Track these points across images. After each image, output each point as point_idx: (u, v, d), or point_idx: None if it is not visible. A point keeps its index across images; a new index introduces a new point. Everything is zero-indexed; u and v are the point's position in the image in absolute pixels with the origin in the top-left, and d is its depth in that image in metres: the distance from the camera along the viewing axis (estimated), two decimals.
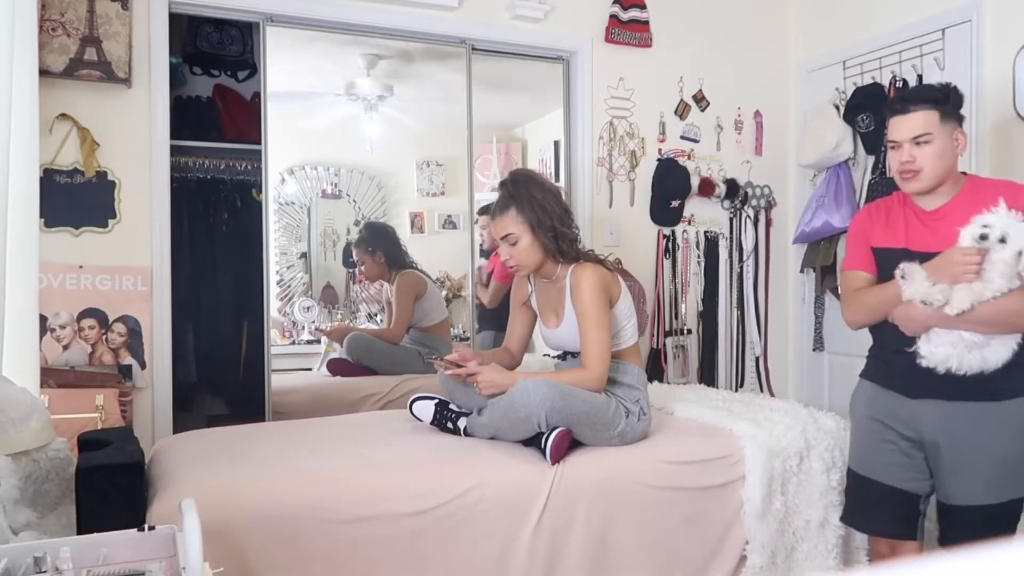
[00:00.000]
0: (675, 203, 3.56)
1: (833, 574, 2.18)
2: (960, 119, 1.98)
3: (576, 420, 2.08)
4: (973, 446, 1.92)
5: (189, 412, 3.58)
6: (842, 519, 2.24)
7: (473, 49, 3.30)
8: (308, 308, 3.37)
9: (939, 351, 1.91)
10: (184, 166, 3.63)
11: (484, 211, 3.31)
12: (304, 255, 3.40)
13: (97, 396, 2.57)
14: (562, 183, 3.50)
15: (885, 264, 2.02)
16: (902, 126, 1.96)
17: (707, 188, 3.59)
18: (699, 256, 3.63)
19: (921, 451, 2.01)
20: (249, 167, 3.72)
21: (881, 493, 2.06)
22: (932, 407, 1.97)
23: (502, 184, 2.34)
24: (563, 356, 2.39)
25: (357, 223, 3.43)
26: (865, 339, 3.48)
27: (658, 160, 3.54)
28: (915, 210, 2.02)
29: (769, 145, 3.77)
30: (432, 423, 2.35)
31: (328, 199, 3.41)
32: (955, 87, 2.00)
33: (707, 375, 3.63)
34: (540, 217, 2.23)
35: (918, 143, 1.93)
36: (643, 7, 3.49)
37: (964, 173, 2.03)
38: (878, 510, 2.10)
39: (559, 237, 2.25)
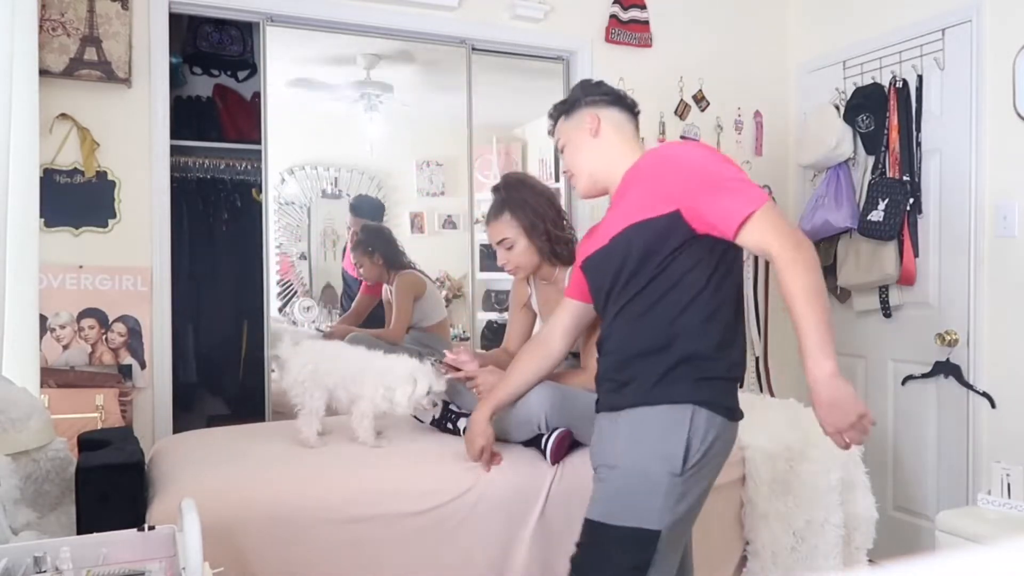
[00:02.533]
0: None
1: (833, 574, 2.18)
2: (592, 104, 1.81)
3: (576, 420, 2.08)
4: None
5: (189, 412, 3.58)
6: None
7: (473, 49, 3.30)
8: (308, 308, 3.37)
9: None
10: (184, 166, 3.63)
11: None
12: (304, 255, 3.40)
13: (97, 396, 2.57)
14: (562, 183, 3.50)
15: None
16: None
17: None
18: None
19: None
20: (249, 167, 3.72)
21: None
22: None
23: (495, 189, 2.35)
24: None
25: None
26: (866, 340, 3.48)
27: None
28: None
29: (769, 145, 3.77)
30: (432, 424, 2.35)
31: (328, 199, 3.40)
32: (579, 84, 1.89)
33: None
34: (533, 221, 2.24)
35: (560, 150, 1.87)
36: (643, 7, 3.49)
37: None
38: None
39: (553, 240, 2.26)
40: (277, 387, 3.09)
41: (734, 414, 1.67)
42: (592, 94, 1.84)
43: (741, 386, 1.76)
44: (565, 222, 2.33)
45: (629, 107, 1.88)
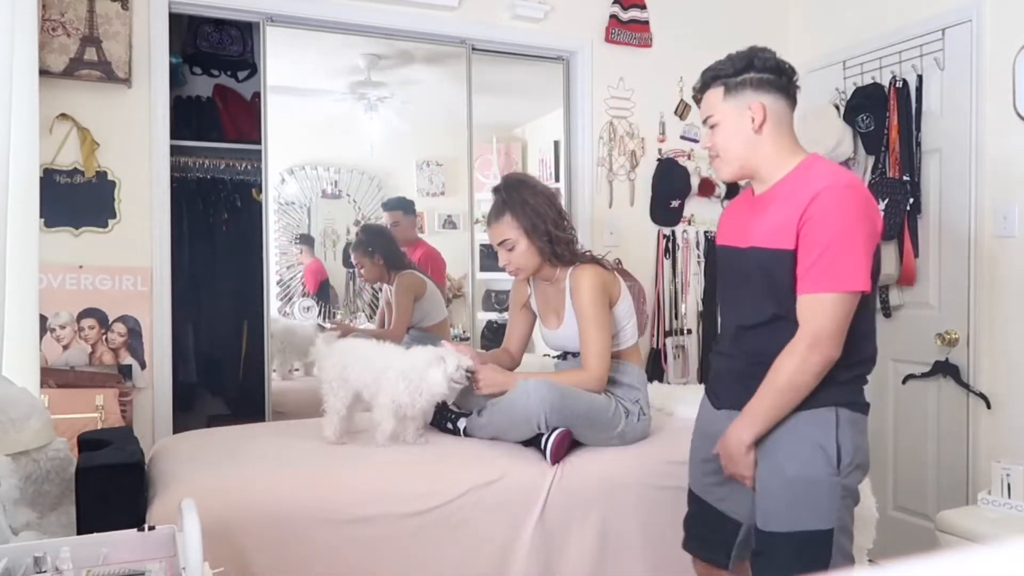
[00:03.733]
0: (675, 203, 3.56)
1: (834, 574, 2.17)
2: (760, 88, 1.70)
3: (576, 420, 2.08)
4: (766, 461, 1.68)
5: (189, 412, 3.58)
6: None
7: (473, 49, 3.30)
8: (308, 308, 3.37)
9: None
10: (184, 166, 3.63)
11: None
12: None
13: (97, 396, 2.57)
14: (562, 183, 3.50)
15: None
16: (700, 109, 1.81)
17: (707, 188, 3.59)
18: (699, 256, 3.63)
19: None
20: (249, 167, 3.72)
21: (696, 508, 1.90)
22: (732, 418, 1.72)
23: (495, 190, 2.35)
24: (563, 356, 2.39)
25: (357, 223, 3.43)
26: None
27: (658, 160, 3.54)
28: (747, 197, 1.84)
29: None
30: (431, 423, 2.35)
31: (328, 199, 3.41)
32: (751, 54, 1.72)
33: (707, 375, 3.63)
34: (534, 221, 2.24)
35: (710, 126, 1.77)
36: (643, 7, 3.49)
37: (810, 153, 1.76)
38: (691, 525, 1.92)
39: (554, 240, 2.26)
40: (277, 387, 3.09)
41: None
42: (763, 72, 1.70)
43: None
44: (566, 222, 2.33)
45: (794, 92, 1.75)
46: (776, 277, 1.64)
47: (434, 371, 2.09)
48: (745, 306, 1.74)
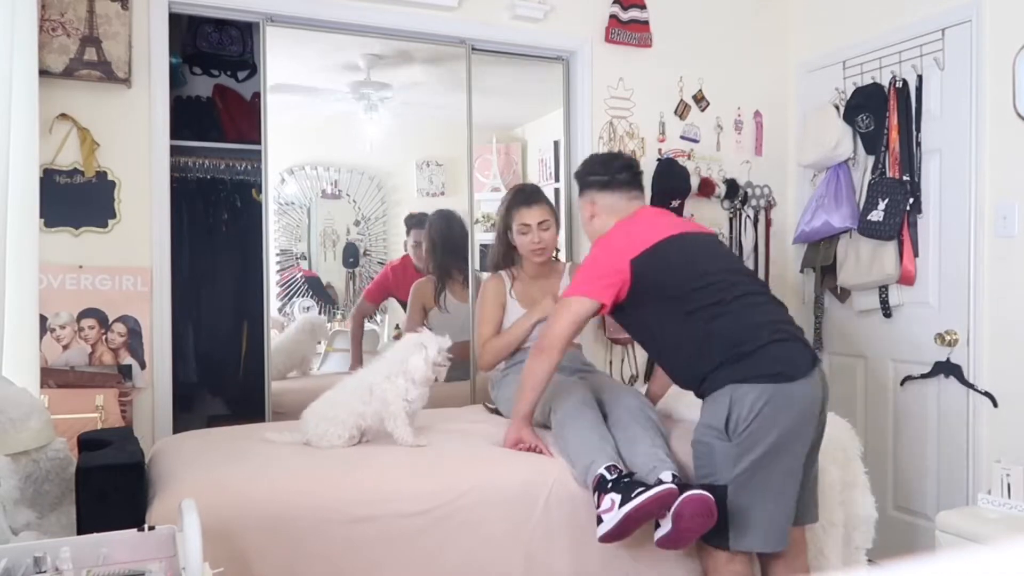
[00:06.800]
0: (675, 203, 3.56)
1: (833, 574, 2.18)
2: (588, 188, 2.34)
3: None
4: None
5: (189, 412, 3.57)
6: None
7: (473, 49, 3.30)
8: (308, 308, 3.37)
9: None
10: (184, 166, 3.63)
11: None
12: (304, 255, 3.40)
13: (97, 396, 2.57)
14: (562, 183, 3.50)
15: None
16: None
17: (707, 188, 3.59)
18: None
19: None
20: (249, 167, 3.72)
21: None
22: None
23: (522, 186, 2.83)
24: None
25: (357, 223, 3.43)
26: (866, 340, 3.48)
27: (658, 160, 3.54)
28: None
29: (769, 145, 3.77)
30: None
31: (328, 199, 3.40)
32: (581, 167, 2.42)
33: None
34: (557, 215, 2.77)
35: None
36: (643, 7, 3.49)
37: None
38: None
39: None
40: (277, 387, 3.09)
41: None
42: (587, 175, 2.34)
43: None
44: None
45: (621, 183, 2.30)
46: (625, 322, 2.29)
47: (415, 358, 2.14)
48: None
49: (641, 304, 2.10)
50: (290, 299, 3.36)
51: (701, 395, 2.04)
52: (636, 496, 1.80)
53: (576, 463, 2.03)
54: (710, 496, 1.81)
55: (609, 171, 2.30)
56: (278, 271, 3.28)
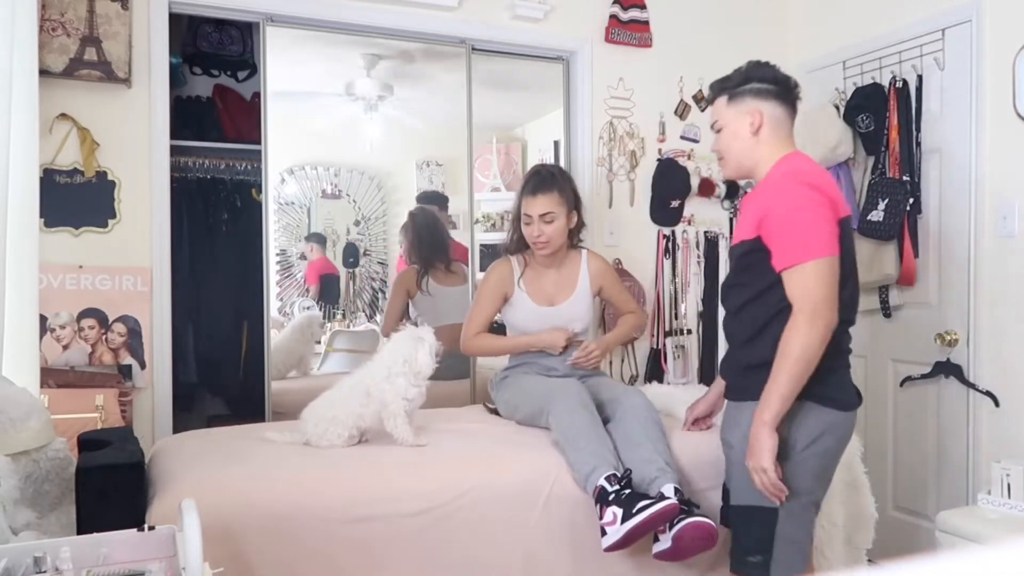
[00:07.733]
0: (675, 203, 3.56)
1: (833, 574, 2.18)
2: (758, 95, 1.91)
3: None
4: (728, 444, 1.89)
5: (189, 412, 3.58)
6: None
7: (473, 49, 3.30)
8: (308, 308, 3.37)
9: None
10: (184, 166, 3.63)
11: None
12: (304, 255, 3.40)
13: (97, 396, 2.57)
14: None
15: None
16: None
17: (707, 188, 3.59)
18: (699, 256, 3.63)
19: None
20: (249, 167, 3.72)
21: None
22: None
23: (539, 169, 2.59)
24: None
25: (357, 223, 3.43)
26: (866, 341, 3.48)
27: (658, 160, 3.54)
28: None
29: None
30: None
31: (328, 199, 3.41)
32: (750, 65, 1.96)
33: (707, 375, 3.63)
34: (575, 204, 2.55)
35: (716, 130, 2.00)
36: (643, 7, 3.49)
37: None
38: None
39: (578, 226, 2.59)
40: (277, 387, 3.09)
41: None
42: (761, 81, 1.92)
43: None
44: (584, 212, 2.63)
45: (792, 99, 1.95)
46: (747, 265, 1.85)
47: (421, 354, 2.13)
48: (728, 297, 1.96)
49: None
50: (318, 295, 3.39)
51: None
52: (638, 512, 1.83)
53: (576, 468, 2.02)
54: (712, 523, 1.86)
55: (788, 87, 1.94)
56: (278, 270, 3.28)
